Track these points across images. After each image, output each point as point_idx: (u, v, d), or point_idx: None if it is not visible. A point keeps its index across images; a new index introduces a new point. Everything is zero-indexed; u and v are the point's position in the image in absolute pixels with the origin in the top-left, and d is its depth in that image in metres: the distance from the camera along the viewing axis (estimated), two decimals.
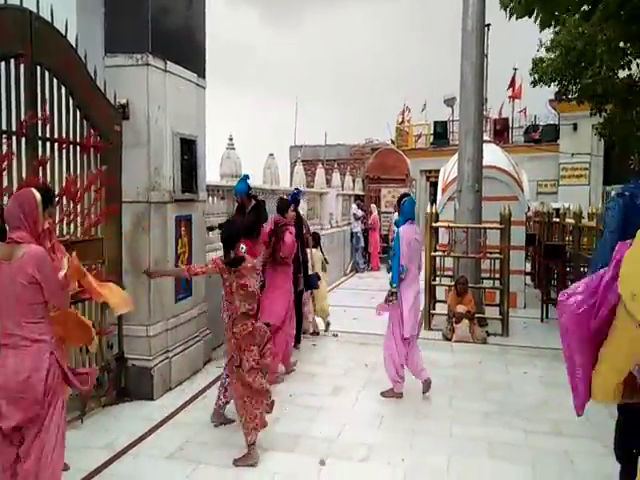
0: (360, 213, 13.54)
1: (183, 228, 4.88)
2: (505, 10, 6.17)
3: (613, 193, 2.18)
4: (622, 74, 9.10)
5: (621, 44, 7.65)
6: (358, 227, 13.33)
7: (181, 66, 4.88)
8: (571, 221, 8.41)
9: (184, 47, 5.03)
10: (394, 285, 4.55)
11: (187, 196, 4.94)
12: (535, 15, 6.06)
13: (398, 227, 4.75)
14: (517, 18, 6.15)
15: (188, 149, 4.92)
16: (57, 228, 3.68)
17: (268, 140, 19.92)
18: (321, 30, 70.48)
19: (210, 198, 6.39)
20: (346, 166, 17.25)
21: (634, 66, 8.69)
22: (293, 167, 12.34)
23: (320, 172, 12.98)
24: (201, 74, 5.29)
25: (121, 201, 4.42)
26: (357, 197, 14.77)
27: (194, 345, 5.18)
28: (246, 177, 6.40)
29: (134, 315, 4.52)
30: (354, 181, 15.69)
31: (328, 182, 13.46)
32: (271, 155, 9.32)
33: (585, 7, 6.30)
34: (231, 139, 7.34)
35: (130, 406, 4.41)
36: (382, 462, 3.60)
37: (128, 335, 4.52)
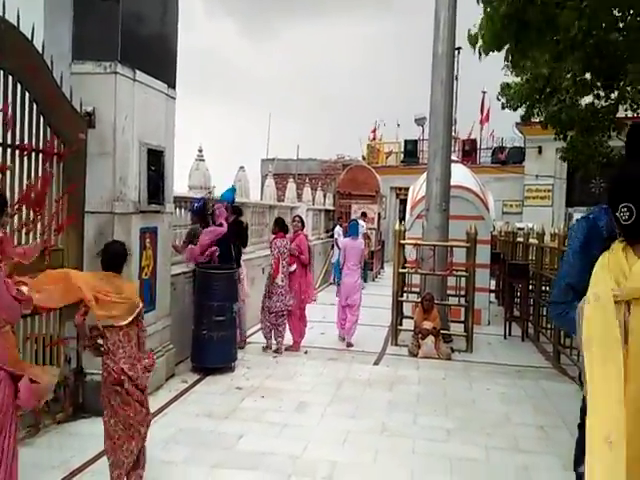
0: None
1: (148, 240, 4.79)
2: (473, 47, 6.39)
3: (578, 216, 2.25)
4: (585, 100, 9.51)
5: (586, 76, 8.03)
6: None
7: (151, 76, 4.83)
8: (534, 241, 8.65)
9: (155, 56, 4.98)
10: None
11: (153, 207, 4.86)
12: (505, 55, 6.30)
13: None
14: (487, 54, 6.39)
15: (156, 160, 4.85)
16: (15, 238, 3.56)
17: (239, 152, 19.89)
18: (297, 45, 71.39)
19: (177, 210, 6.31)
20: (317, 181, 17.36)
21: (598, 93, 9.10)
22: (264, 180, 12.31)
23: (291, 186, 13.00)
24: (172, 84, 5.24)
25: (84, 211, 4.31)
26: (363, 214, 14.55)
27: (156, 360, 5.04)
28: (234, 189, 7.09)
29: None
30: (325, 196, 15.77)
31: (299, 196, 13.49)
32: (242, 168, 9.29)
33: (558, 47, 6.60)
34: (201, 150, 7.29)
35: (88, 423, 4.24)
36: None
37: None
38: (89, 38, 4.38)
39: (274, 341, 6.71)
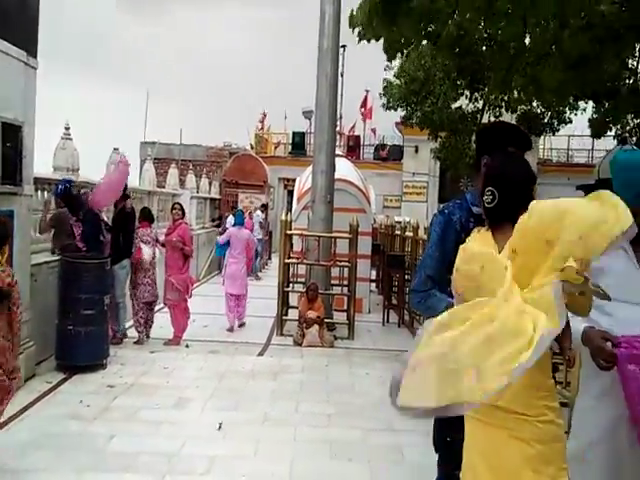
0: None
1: None
2: (353, 31, 6.53)
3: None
4: (456, 104, 10.33)
5: (455, 76, 8.68)
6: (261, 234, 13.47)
7: (6, 41, 4.28)
8: (410, 234, 9.19)
9: (11, 21, 4.41)
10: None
11: (8, 189, 4.33)
12: (383, 44, 6.50)
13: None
14: (368, 41, 6.54)
15: (12, 135, 4.32)
16: None
17: (115, 133, 18.55)
18: (184, 26, 68.26)
19: (40, 193, 5.69)
20: (202, 168, 16.76)
21: (465, 100, 9.94)
22: (143, 165, 11.61)
23: (173, 172, 12.43)
24: (32, 53, 4.68)
25: None
26: (263, 205, 14.81)
27: None
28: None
29: None
30: (210, 184, 15.33)
31: (182, 183, 12.95)
32: (116, 150, 8.61)
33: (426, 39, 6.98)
34: (68, 128, 6.61)
35: None
36: (223, 474, 3.47)
37: None
38: None
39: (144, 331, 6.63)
